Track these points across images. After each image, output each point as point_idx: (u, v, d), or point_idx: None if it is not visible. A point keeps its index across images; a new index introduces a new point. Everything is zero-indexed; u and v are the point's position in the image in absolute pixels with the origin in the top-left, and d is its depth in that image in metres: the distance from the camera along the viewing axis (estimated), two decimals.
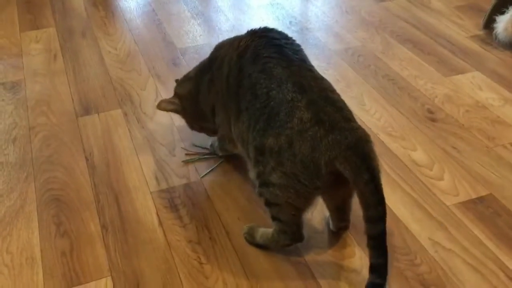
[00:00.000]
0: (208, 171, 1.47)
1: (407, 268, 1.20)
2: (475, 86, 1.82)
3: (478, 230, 1.28)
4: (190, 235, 1.29)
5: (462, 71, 1.91)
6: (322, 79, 1.16)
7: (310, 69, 1.18)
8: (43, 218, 1.34)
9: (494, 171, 1.45)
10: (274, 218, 1.18)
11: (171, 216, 1.34)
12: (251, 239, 1.26)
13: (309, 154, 1.04)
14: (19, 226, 1.32)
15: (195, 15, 2.35)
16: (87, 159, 1.53)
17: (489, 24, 2.10)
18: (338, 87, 1.17)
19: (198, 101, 1.41)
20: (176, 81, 1.52)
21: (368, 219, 1.03)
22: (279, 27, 1.30)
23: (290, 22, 2.28)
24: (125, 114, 1.72)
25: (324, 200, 1.23)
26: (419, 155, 1.52)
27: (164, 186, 1.44)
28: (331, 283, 1.17)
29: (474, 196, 1.38)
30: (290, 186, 1.08)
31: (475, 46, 2.05)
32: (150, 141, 1.60)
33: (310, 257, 1.23)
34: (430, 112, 1.70)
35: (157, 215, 1.35)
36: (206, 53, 1.47)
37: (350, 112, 1.11)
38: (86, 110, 1.74)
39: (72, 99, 1.80)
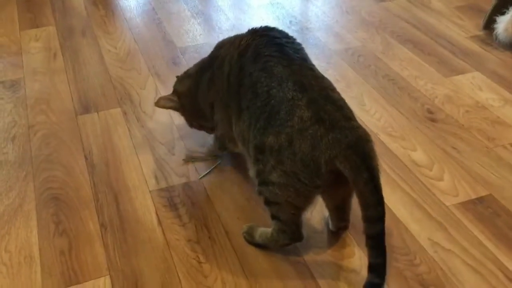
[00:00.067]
0: (206, 172, 1.46)
1: (406, 268, 1.19)
2: (475, 87, 1.82)
3: (478, 231, 1.28)
4: (189, 234, 1.29)
5: (462, 72, 1.91)
6: (322, 78, 1.16)
7: (311, 68, 1.18)
8: (42, 217, 1.34)
9: (494, 172, 1.45)
10: (273, 217, 1.18)
11: (170, 215, 1.34)
12: (250, 239, 1.26)
13: (309, 153, 1.04)
14: (18, 225, 1.32)
15: (195, 14, 2.35)
16: (86, 158, 1.53)
17: (489, 24, 2.10)
18: (338, 87, 1.17)
19: (197, 98, 1.41)
20: (177, 77, 1.52)
21: (367, 219, 1.03)
22: (279, 27, 1.30)
23: (290, 22, 2.28)
24: (125, 113, 1.71)
25: (324, 199, 1.23)
26: (419, 155, 1.52)
27: (163, 185, 1.43)
28: (330, 283, 1.17)
29: (473, 197, 1.38)
30: (290, 184, 1.08)
31: (475, 47, 2.05)
32: (149, 140, 1.60)
33: (309, 257, 1.23)
34: (430, 112, 1.70)
35: (156, 214, 1.35)
36: (206, 52, 1.47)
37: (350, 111, 1.11)
38: (86, 108, 1.74)
39: (72, 98, 1.80)
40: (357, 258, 1.22)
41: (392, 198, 1.37)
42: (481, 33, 2.14)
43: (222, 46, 1.35)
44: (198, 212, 1.35)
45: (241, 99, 1.19)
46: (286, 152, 1.06)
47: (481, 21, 2.17)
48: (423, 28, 2.20)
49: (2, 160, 1.53)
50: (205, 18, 2.32)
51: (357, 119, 1.12)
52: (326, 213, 1.29)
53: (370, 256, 1.05)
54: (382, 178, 1.05)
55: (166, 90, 1.80)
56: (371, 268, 1.05)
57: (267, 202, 1.16)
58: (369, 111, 1.71)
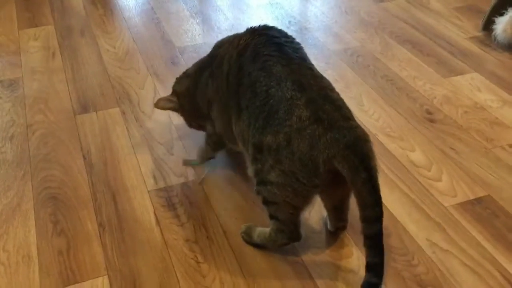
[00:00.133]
0: (202, 177, 1.46)
1: (404, 269, 1.19)
2: (473, 87, 1.82)
3: (476, 231, 1.28)
4: (188, 234, 1.29)
5: (461, 72, 1.91)
6: (321, 77, 1.16)
7: (310, 67, 1.18)
8: (40, 217, 1.34)
9: (492, 172, 1.45)
10: (271, 216, 1.17)
11: (168, 215, 1.34)
12: (248, 239, 1.26)
13: (307, 152, 1.04)
14: (16, 224, 1.32)
15: (194, 14, 2.35)
16: (84, 158, 1.53)
17: (488, 25, 2.10)
18: (337, 87, 1.17)
19: (196, 98, 1.41)
20: (177, 78, 1.52)
21: (364, 219, 1.03)
22: (278, 27, 1.30)
23: (289, 22, 2.28)
24: (123, 113, 1.71)
25: (322, 199, 1.23)
26: (417, 156, 1.52)
27: (161, 185, 1.43)
28: (328, 283, 1.17)
29: (472, 197, 1.38)
30: (288, 184, 1.08)
31: (474, 48, 2.06)
32: (148, 140, 1.60)
33: (308, 257, 1.23)
34: (429, 113, 1.70)
35: (155, 214, 1.34)
36: (204, 52, 1.47)
37: (349, 111, 1.11)
38: (84, 108, 1.74)
39: (70, 97, 1.79)
40: (355, 258, 1.22)
41: (390, 199, 1.37)
42: (480, 34, 2.14)
43: (221, 46, 1.35)
44: (196, 212, 1.35)
45: (240, 99, 1.19)
46: (285, 151, 1.06)
47: (480, 22, 2.17)
48: (422, 28, 2.20)
49: (0, 159, 1.52)
50: (204, 18, 2.32)
51: (356, 119, 1.12)
52: (325, 213, 1.29)
53: (367, 256, 1.05)
54: (380, 178, 1.05)
55: (165, 89, 1.80)
56: (369, 267, 1.05)
57: (265, 202, 1.16)
58: (367, 111, 1.71)
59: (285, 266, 1.21)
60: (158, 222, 1.32)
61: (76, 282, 1.18)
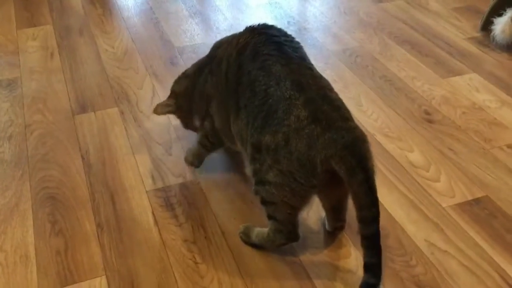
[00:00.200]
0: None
1: (403, 269, 1.19)
2: (472, 88, 1.82)
3: (474, 232, 1.28)
4: (186, 235, 1.29)
5: (459, 73, 1.91)
6: (320, 77, 1.16)
7: (310, 67, 1.17)
8: (38, 217, 1.34)
9: (490, 173, 1.46)
10: (270, 217, 1.17)
11: (166, 215, 1.34)
12: (246, 239, 1.25)
13: (305, 152, 1.04)
14: (14, 224, 1.32)
15: (193, 14, 2.35)
16: (83, 158, 1.53)
17: (486, 26, 2.10)
18: (336, 88, 1.17)
19: (194, 96, 1.40)
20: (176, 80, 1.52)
21: (361, 220, 1.03)
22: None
23: (288, 22, 2.28)
24: (122, 113, 1.71)
25: (320, 199, 1.23)
26: (415, 156, 1.52)
27: (160, 185, 1.43)
28: (326, 283, 1.17)
29: (470, 198, 1.38)
30: (286, 184, 1.08)
31: (472, 48, 2.06)
32: (146, 140, 1.59)
33: (306, 257, 1.22)
34: (427, 113, 1.70)
35: (153, 214, 1.34)
36: (203, 52, 1.47)
37: (347, 111, 1.11)
38: (83, 108, 1.74)
39: (69, 97, 1.79)
40: (353, 259, 1.22)
41: (388, 199, 1.37)
42: (478, 34, 2.14)
43: (220, 46, 1.35)
44: (194, 212, 1.35)
45: (239, 98, 1.19)
46: (283, 151, 1.06)
47: (479, 23, 2.17)
48: (421, 29, 2.20)
49: None
50: (203, 18, 2.32)
51: (354, 119, 1.12)
52: (323, 213, 1.29)
53: (365, 256, 1.05)
54: (378, 178, 1.05)
55: (164, 90, 1.80)
56: (367, 268, 1.06)
57: (264, 202, 1.16)
58: (366, 111, 1.71)
59: (283, 266, 1.20)
60: (156, 222, 1.32)
61: (74, 282, 1.17)
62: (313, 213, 1.32)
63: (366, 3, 2.44)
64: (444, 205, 1.36)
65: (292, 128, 1.06)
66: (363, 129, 1.10)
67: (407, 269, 1.20)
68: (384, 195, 1.38)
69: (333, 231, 1.28)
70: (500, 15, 2.04)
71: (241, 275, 1.19)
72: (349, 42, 2.12)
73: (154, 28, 2.24)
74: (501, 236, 1.27)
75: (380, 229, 1.04)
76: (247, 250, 1.24)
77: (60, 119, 1.68)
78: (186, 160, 1.48)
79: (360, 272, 1.14)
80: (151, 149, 1.56)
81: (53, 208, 1.36)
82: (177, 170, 1.48)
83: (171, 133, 1.62)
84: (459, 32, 2.17)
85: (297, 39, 1.27)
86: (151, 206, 1.37)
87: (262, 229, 1.23)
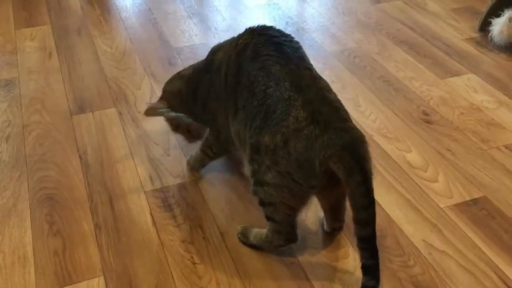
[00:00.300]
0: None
1: (400, 270, 1.20)
2: (470, 89, 1.83)
3: (472, 232, 1.28)
4: (184, 235, 1.29)
5: (457, 73, 1.91)
6: (320, 78, 1.16)
7: (309, 67, 1.17)
8: (36, 217, 1.33)
9: (488, 173, 1.46)
10: (268, 218, 1.17)
11: (164, 215, 1.34)
12: (244, 240, 1.25)
13: (304, 153, 1.04)
14: (12, 225, 1.32)
15: (191, 15, 2.35)
16: (81, 158, 1.52)
17: (484, 26, 2.11)
18: (334, 88, 1.17)
19: (188, 99, 1.38)
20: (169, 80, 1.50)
21: (357, 221, 1.03)
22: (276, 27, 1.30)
23: (287, 23, 2.28)
24: (120, 113, 1.71)
25: (319, 199, 1.23)
26: (413, 156, 1.53)
27: (158, 185, 1.43)
28: (324, 284, 1.17)
29: (468, 198, 1.38)
30: (285, 185, 1.08)
31: (470, 49, 2.06)
32: (144, 140, 1.59)
33: (304, 258, 1.23)
34: (425, 114, 1.70)
35: (151, 214, 1.34)
36: (202, 52, 1.47)
37: (346, 112, 1.11)
38: (81, 108, 1.73)
39: (67, 98, 1.79)
40: (352, 259, 1.22)
41: (386, 199, 1.37)
42: (476, 35, 2.15)
43: (219, 50, 1.33)
44: (192, 212, 1.35)
45: (237, 98, 1.18)
46: (281, 152, 1.06)
47: (477, 23, 2.17)
48: (419, 29, 2.21)
49: None
50: (201, 19, 2.32)
51: (353, 120, 1.12)
52: (321, 214, 1.29)
53: (362, 258, 1.05)
54: (376, 179, 1.05)
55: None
56: (365, 270, 1.05)
57: (262, 203, 1.16)
58: (364, 112, 1.71)
59: (281, 267, 1.21)
60: (154, 222, 1.32)
61: (72, 282, 1.17)
62: (312, 214, 1.32)
63: (364, 3, 2.44)
64: (442, 205, 1.36)
65: (291, 129, 1.06)
66: (361, 130, 1.10)
67: (405, 269, 1.20)
68: (382, 196, 1.38)
69: (332, 232, 1.28)
70: (498, 16, 2.04)
71: (239, 276, 1.19)
72: (347, 43, 2.12)
73: (153, 28, 2.24)
74: (499, 236, 1.28)
75: (378, 230, 1.04)
76: (245, 251, 1.24)
77: (58, 120, 1.68)
78: (188, 163, 1.48)
79: (357, 273, 1.14)
80: (149, 149, 1.56)
81: (51, 209, 1.36)
82: (176, 170, 1.48)
83: (169, 133, 1.62)
84: (457, 32, 2.17)
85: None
86: (149, 207, 1.36)
87: (260, 230, 1.23)
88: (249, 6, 2.45)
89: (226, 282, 1.17)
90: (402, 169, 1.48)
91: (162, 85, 1.83)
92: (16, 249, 1.25)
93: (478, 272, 1.19)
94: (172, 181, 1.44)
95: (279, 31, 1.26)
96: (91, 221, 1.32)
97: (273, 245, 1.21)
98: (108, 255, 1.23)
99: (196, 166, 1.47)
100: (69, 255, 1.24)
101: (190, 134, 1.46)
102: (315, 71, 1.18)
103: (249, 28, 1.27)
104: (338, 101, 1.13)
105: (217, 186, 1.43)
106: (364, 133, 1.09)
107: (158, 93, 1.79)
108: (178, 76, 1.45)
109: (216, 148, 1.39)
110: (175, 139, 1.60)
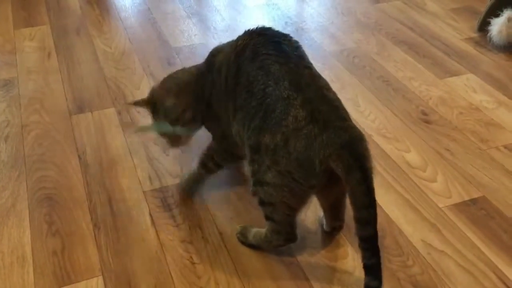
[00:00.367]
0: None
1: (399, 270, 1.20)
2: (469, 89, 1.83)
3: (471, 232, 1.28)
4: (183, 235, 1.28)
5: (456, 73, 1.91)
6: (319, 77, 1.16)
7: (308, 66, 1.17)
8: (35, 217, 1.33)
9: (487, 173, 1.46)
10: (267, 217, 1.17)
11: (164, 215, 1.34)
12: (244, 239, 1.25)
13: (303, 152, 1.04)
14: (10, 225, 1.31)
15: (190, 15, 2.35)
16: (80, 158, 1.52)
17: (483, 26, 2.11)
18: (333, 88, 1.17)
19: (182, 100, 1.35)
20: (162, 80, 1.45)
21: (358, 220, 1.03)
22: (275, 28, 1.29)
23: (286, 23, 2.28)
24: (119, 113, 1.71)
25: (319, 198, 1.23)
26: (412, 156, 1.53)
27: (157, 185, 1.43)
28: (323, 284, 1.17)
29: (466, 198, 1.38)
30: (285, 185, 1.08)
31: (469, 49, 2.06)
32: (143, 140, 1.59)
33: (303, 258, 1.23)
34: (424, 114, 1.70)
35: (150, 214, 1.34)
36: (201, 52, 1.47)
37: (345, 111, 1.11)
38: (80, 108, 1.73)
39: (66, 97, 1.79)
40: (351, 259, 1.22)
41: (385, 199, 1.37)
42: (475, 35, 2.15)
43: (220, 51, 1.32)
44: (191, 212, 1.35)
45: (236, 98, 1.18)
46: (281, 152, 1.06)
47: (476, 23, 2.18)
48: (418, 29, 2.21)
49: None
50: (200, 19, 2.32)
51: (352, 120, 1.12)
52: (320, 213, 1.29)
53: (364, 258, 1.05)
54: (376, 179, 1.05)
55: None
56: (367, 270, 1.05)
57: (262, 203, 1.16)
58: (363, 112, 1.71)
59: (280, 266, 1.20)
60: (153, 222, 1.32)
61: (70, 282, 1.17)
62: (311, 214, 1.32)
63: (363, 3, 2.44)
64: (441, 205, 1.36)
65: (291, 129, 1.06)
66: (361, 130, 1.10)
67: (404, 269, 1.20)
68: (381, 195, 1.38)
69: (331, 231, 1.28)
70: (497, 15, 2.04)
71: (238, 276, 1.19)
72: (347, 43, 2.12)
73: (152, 28, 2.24)
74: (498, 236, 1.28)
75: (377, 229, 1.04)
76: (245, 251, 1.24)
77: (57, 119, 1.68)
78: (179, 186, 1.41)
79: (357, 273, 1.14)
80: (148, 149, 1.56)
81: (50, 209, 1.36)
82: (175, 170, 1.48)
83: None
84: (456, 32, 2.18)
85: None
86: (148, 207, 1.36)
87: (259, 230, 1.23)
88: (248, 6, 2.45)
89: (225, 281, 1.17)
90: (401, 169, 1.48)
91: None
92: (14, 249, 1.25)
93: (477, 272, 1.19)
94: (171, 181, 1.44)
95: (277, 32, 1.26)
96: (90, 221, 1.32)
97: (272, 245, 1.21)
98: (107, 255, 1.23)
99: (189, 186, 1.40)
100: (68, 255, 1.24)
101: (175, 138, 1.36)
102: (315, 69, 1.18)
103: (248, 30, 1.27)
104: (338, 100, 1.13)
105: (216, 186, 1.43)
106: (364, 133, 1.09)
107: None
108: (174, 75, 1.39)
109: (219, 156, 1.35)
110: None
